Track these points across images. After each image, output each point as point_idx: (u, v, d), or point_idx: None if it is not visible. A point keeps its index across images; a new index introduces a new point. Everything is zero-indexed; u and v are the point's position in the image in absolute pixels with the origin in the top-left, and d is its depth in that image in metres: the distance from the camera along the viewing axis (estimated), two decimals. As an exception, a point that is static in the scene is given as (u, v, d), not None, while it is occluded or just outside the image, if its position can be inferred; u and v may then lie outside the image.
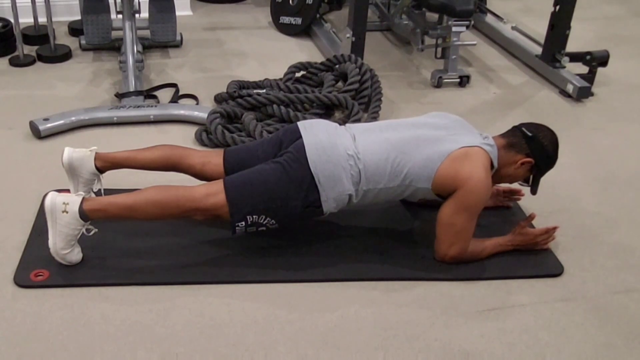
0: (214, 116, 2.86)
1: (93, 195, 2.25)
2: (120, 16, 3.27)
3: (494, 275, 2.14)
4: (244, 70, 3.59)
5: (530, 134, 2.16)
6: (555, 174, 2.26)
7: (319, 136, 2.09)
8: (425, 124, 2.19)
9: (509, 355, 1.86)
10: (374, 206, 2.29)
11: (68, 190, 2.20)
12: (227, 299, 1.99)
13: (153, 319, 1.90)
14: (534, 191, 2.25)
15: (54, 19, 3.63)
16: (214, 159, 2.22)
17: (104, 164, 2.23)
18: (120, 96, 3.11)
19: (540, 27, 3.84)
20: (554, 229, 2.24)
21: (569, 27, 3.54)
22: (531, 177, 2.20)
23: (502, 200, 2.47)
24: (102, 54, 3.70)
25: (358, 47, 3.37)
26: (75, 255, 2.03)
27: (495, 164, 2.13)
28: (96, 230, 2.03)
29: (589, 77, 3.51)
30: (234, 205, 2.01)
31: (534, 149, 2.15)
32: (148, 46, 3.77)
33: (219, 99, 3.16)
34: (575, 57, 3.55)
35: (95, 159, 2.21)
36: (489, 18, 4.35)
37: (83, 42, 3.68)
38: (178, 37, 3.80)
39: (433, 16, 3.91)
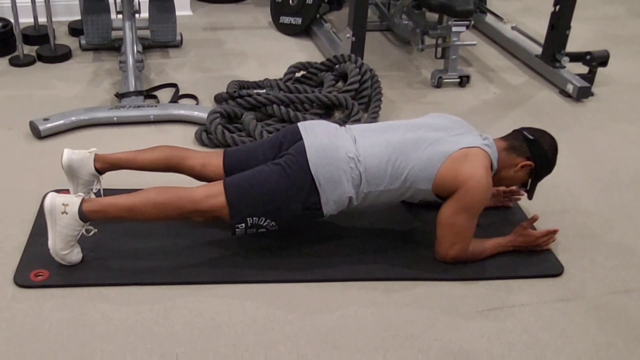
0: (214, 116, 2.86)
1: (93, 195, 2.25)
2: (120, 16, 3.27)
3: (494, 275, 2.14)
4: (244, 70, 3.59)
5: (532, 138, 2.16)
6: (556, 174, 2.26)
7: (319, 138, 2.09)
8: (425, 125, 2.19)
9: (509, 355, 1.86)
10: (374, 207, 2.28)
11: (68, 191, 2.20)
12: (227, 299, 1.99)
13: (153, 319, 1.90)
14: (530, 196, 2.26)
15: (54, 19, 3.63)
16: (214, 160, 2.21)
17: (104, 165, 2.22)
18: (120, 96, 3.11)
19: (540, 27, 3.84)
20: (555, 231, 2.24)
21: (569, 27, 3.54)
22: (529, 181, 2.21)
23: (502, 200, 2.47)
24: (102, 54, 3.70)
25: (358, 47, 3.36)
26: (75, 255, 2.03)
27: (495, 165, 2.14)
28: (96, 230, 2.03)
29: (589, 77, 3.51)
30: (234, 207, 2.01)
31: (534, 153, 2.15)
32: (148, 46, 3.76)
33: (219, 99, 3.16)
34: (575, 57, 3.55)
35: (94, 160, 2.20)
36: (489, 18, 4.35)
37: (83, 42, 3.69)
38: (178, 37, 3.80)
39: (433, 16, 3.91)
